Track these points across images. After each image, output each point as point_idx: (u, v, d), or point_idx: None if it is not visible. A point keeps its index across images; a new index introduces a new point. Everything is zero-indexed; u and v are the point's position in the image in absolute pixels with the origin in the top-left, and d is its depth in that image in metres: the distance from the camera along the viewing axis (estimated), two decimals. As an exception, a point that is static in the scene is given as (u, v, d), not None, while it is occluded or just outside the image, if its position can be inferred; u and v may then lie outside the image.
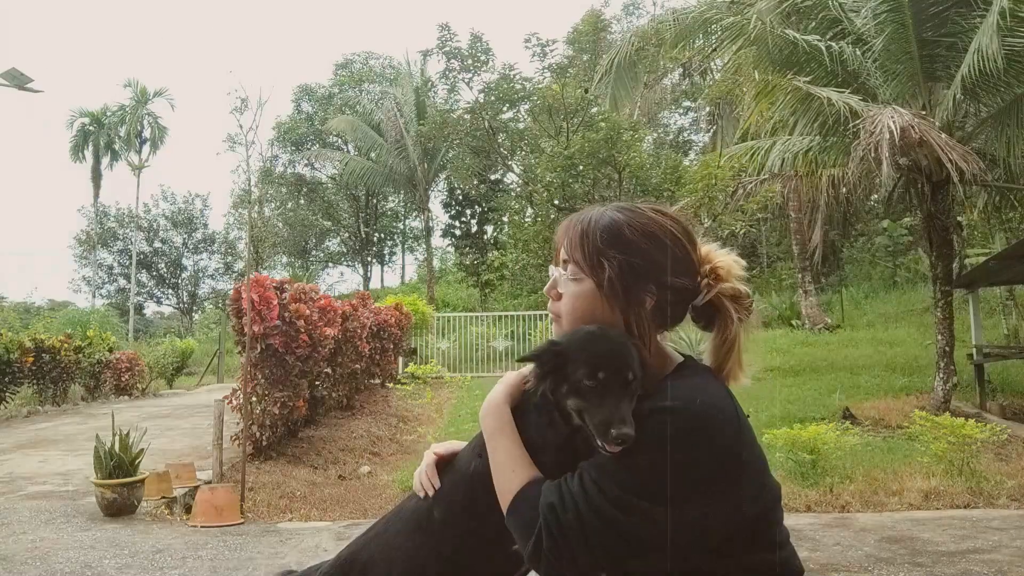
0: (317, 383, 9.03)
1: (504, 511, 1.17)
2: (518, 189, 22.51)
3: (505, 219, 23.22)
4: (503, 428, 1.23)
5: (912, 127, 7.89)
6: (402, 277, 40.06)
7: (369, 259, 36.80)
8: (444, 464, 1.33)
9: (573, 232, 1.25)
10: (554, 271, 1.29)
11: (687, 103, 30.89)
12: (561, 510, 1.09)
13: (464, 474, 1.28)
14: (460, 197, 27.91)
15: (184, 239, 35.72)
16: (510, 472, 1.19)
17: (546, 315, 1.33)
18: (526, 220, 19.99)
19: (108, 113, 35.57)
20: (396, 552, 1.30)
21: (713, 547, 1.11)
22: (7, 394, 12.75)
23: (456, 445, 1.37)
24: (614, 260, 1.18)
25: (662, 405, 1.11)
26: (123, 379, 15.91)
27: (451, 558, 1.27)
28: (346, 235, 36.79)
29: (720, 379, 1.22)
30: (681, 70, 27.07)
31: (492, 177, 26.40)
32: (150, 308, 38.22)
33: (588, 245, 1.21)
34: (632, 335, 1.17)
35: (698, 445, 1.08)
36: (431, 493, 1.29)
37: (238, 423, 7.69)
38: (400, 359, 14.73)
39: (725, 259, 1.23)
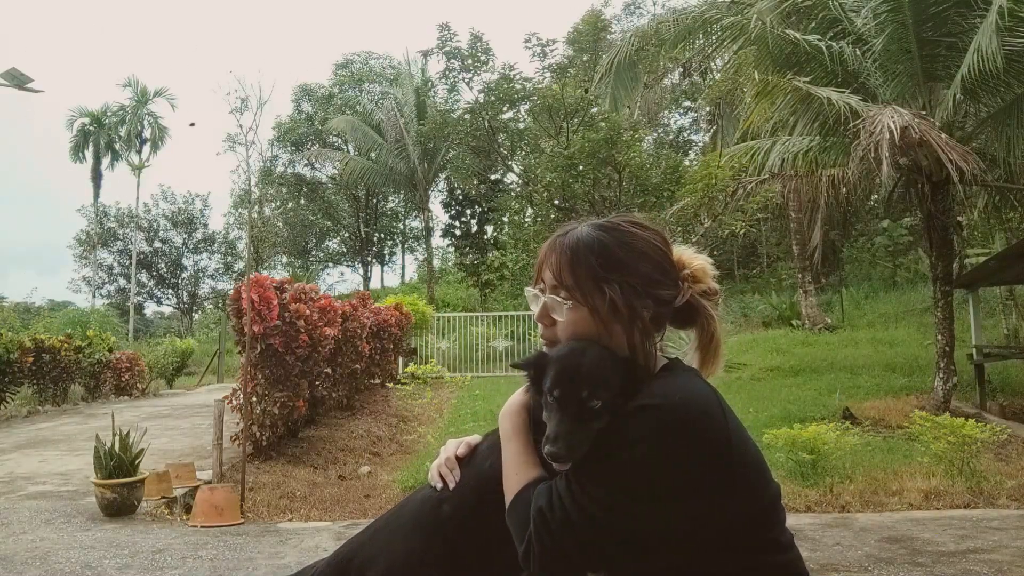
0: (317, 383, 9.03)
1: (506, 511, 1.19)
2: (518, 189, 22.50)
3: (505, 219, 23.22)
4: (517, 432, 1.25)
5: (912, 127, 7.89)
6: (402, 277, 40.10)
7: (369, 259, 36.80)
8: (462, 460, 1.35)
9: (562, 257, 1.24)
10: (539, 296, 1.27)
11: (687, 103, 30.89)
12: (549, 513, 1.10)
13: (479, 472, 1.29)
14: (460, 197, 27.92)
15: (184, 239, 35.73)
16: (514, 474, 1.21)
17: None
18: (526, 220, 19.99)
19: (108, 113, 35.56)
20: (395, 551, 1.30)
21: (707, 546, 1.11)
22: (7, 394, 12.74)
23: (474, 440, 1.38)
24: (613, 284, 1.19)
25: (643, 403, 1.12)
26: (123, 379, 15.91)
27: (453, 558, 1.27)
28: (346, 235, 36.79)
29: (703, 377, 1.25)
30: (681, 70, 27.03)
31: (492, 177, 26.40)
32: (150, 308, 38.28)
33: (582, 270, 1.21)
34: (633, 349, 1.19)
35: (681, 440, 1.08)
36: (452, 485, 1.30)
37: (238, 423, 7.69)
38: (400, 359, 14.73)
39: (699, 261, 1.28)
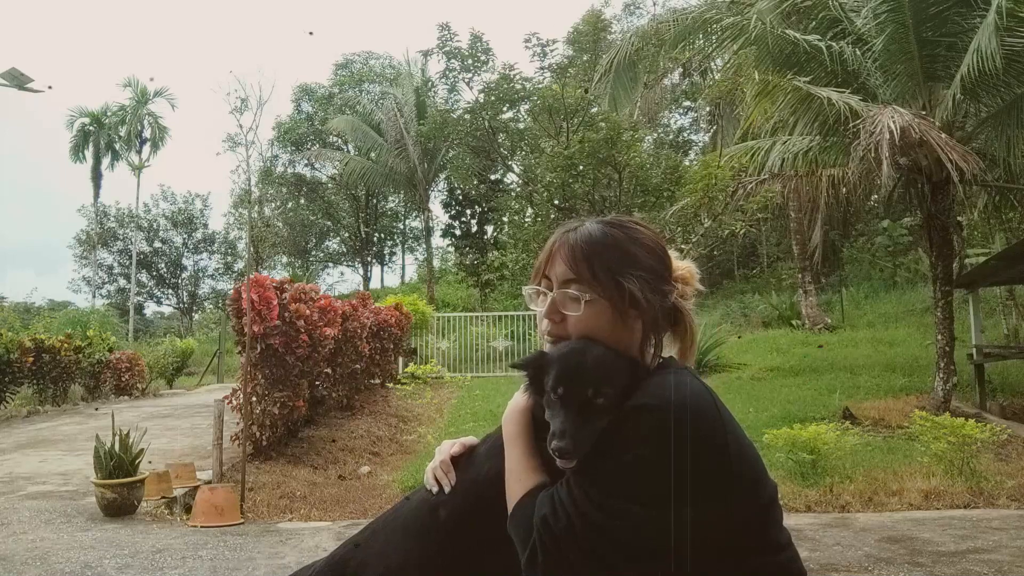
0: (317, 383, 9.04)
1: (508, 518, 1.19)
2: (518, 189, 22.50)
3: (505, 219, 23.22)
4: (520, 435, 1.25)
5: (912, 127, 7.89)
6: (402, 277, 40.13)
7: (369, 259, 36.82)
8: (458, 462, 1.34)
9: (576, 251, 1.23)
10: (544, 293, 1.26)
11: (687, 103, 30.91)
12: (553, 521, 1.10)
13: (478, 475, 1.29)
14: (460, 197, 27.91)
15: (184, 239, 35.73)
16: (517, 480, 1.21)
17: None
18: (526, 220, 19.98)
19: (108, 113, 35.56)
20: (392, 553, 1.30)
21: (708, 548, 1.10)
22: (7, 394, 12.74)
23: (470, 441, 1.38)
24: (631, 277, 1.19)
25: (640, 403, 1.12)
26: (123, 379, 15.90)
27: (449, 562, 1.26)
28: (346, 235, 36.82)
29: (696, 375, 1.24)
30: (681, 70, 27.05)
31: (492, 177, 26.39)
32: (150, 308, 38.27)
33: (599, 264, 1.21)
34: (647, 343, 1.21)
35: (679, 441, 1.08)
36: (447, 488, 1.29)
37: (238, 423, 7.69)
38: (400, 359, 14.73)
39: (687, 265, 1.33)
